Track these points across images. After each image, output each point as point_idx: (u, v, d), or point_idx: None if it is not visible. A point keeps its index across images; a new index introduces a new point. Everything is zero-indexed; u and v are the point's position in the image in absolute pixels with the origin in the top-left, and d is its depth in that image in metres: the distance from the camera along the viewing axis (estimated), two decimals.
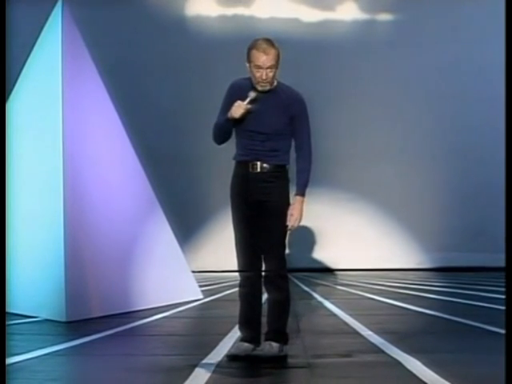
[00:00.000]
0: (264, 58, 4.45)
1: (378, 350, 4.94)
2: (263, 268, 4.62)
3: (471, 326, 6.29)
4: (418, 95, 20.18)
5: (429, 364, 4.22)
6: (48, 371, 4.36)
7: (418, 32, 20.33)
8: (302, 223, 4.64)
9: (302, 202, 4.61)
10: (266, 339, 4.57)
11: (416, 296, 10.12)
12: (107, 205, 7.90)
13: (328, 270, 19.56)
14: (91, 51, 8.17)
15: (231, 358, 4.54)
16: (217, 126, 4.65)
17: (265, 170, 4.56)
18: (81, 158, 7.66)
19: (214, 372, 4.16)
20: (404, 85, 20.22)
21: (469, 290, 11.14)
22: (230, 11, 20.95)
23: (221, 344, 5.20)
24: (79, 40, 8.04)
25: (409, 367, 4.20)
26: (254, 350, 4.56)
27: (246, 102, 4.49)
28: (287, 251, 4.66)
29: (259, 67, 4.47)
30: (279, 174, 4.59)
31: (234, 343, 4.91)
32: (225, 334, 5.64)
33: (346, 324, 6.63)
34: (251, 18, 20.71)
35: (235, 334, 5.30)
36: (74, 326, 6.80)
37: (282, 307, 4.62)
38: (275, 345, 4.54)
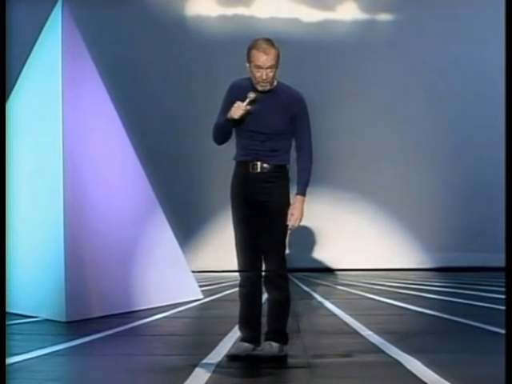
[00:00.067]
0: (264, 58, 4.45)
1: (377, 350, 4.94)
2: (263, 268, 4.63)
3: (471, 325, 6.29)
4: (417, 95, 20.18)
5: (429, 364, 4.22)
6: (48, 371, 4.36)
7: (418, 32, 20.33)
8: (303, 223, 4.64)
9: (303, 201, 4.61)
10: (266, 339, 4.57)
11: (416, 296, 10.12)
12: (107, 205, 7.90)
13: (328, 270, 19.56)
14: (91, 51, 8.17)
15: (231, 357, 4.54)
16: (217, 127, 4.65)
17: (265, 170, 4.56)
18: (81, 157, 7.67)
19: (213, 372, 4.16)
20: (404, 85, 20.21)
21: (469, 290, 11.14)
22: (230, 11, 20.95)
23: (221, 344, 5.20)
24: (79, 40, 8.04)
25: (409, 367, 4.20)
26: (254, 349, 4.56)
27: (245, 103, 4.49)
28: (287, 251, 4.66)
29: (259, 67, 4.47)
30: (279, 174, 4.59)
31: (234, 343, 4.91)
32: (225, 334, 5.64)
33: (346, 324, 6.63)
34: (251, 17, 20.71)
35: (235, 333, 5.30)
36: (74, 326, 6.80)
37: (282, 307, 4.62)
38: (275, 345, 4.54)
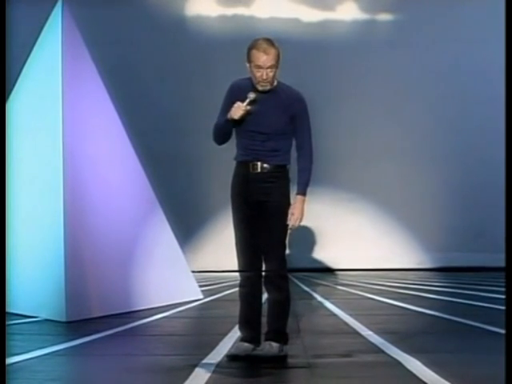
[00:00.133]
0: (264, 58, 4.45)
1: (378, 350, 4.94)
2: (263, 268, 4.63)
3: (471, 325, 6.29)
4: (417, 95, 20.17)
5: (429, 364, 4.22)
6: (48, 371, 4.36)
7: (417, 32, 20.32)
8: (303, 223, 4.64)
9: (303, 201, 4.61)
10: (266, 339, 4.57)
11: (416, 296, 10.12)
12: (107, 205, 7.91)
13: (328, 270, 19.56)
14: (91, 51, 8.16)
15: (231, 358, 4.54)
16: (217, 127, 4.65)
17: (265, 171, 4.56)
18: (81, 157, 7.67)
19: (213, 372, 4.16)
20: (404, 85, 20.21)
21: (469, 290, 11.14)
22: (230, 11, 20.95)
23: (221, 344, 5.20)
24: (79, 40, 8.04)
25: (409, 367, 4.20)
26: (254, 349, 4.56)
27: (245, 104, 4.49)
28: (287, 251, 4.66)
29: (259, 67, 4.47)
30: (279, 174, 4.59)
31: (234, 343, 4.91)
32: (225, 334, 5.64)
33: (346, 324, 6.63)
34: (251, 17, 20.70)
35: (235, 333, 5.30)
36: (74, 326, 6.80)
37: (282, 307, 4.62)
38: (275, 345, 4.53)
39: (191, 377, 4.01)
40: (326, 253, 19.83)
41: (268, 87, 4.54)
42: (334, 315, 7.48)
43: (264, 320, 4.64)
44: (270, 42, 4.50)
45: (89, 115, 7.91)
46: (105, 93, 8.25)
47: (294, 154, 4.66)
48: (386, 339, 5.35)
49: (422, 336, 5.86)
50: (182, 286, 9.00)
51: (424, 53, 20.19)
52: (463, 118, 20.09)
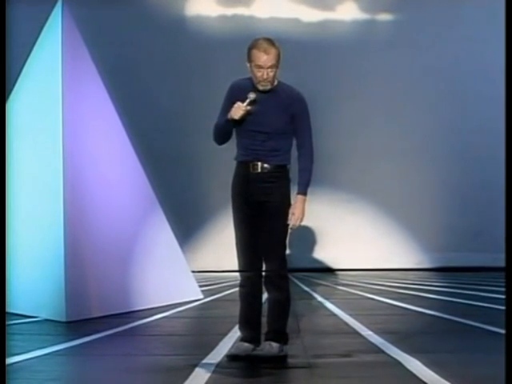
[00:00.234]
0: (265, 58, 4.45)
1: (378, 350, 4.94)
2: (264, 268, 4.63)
3: (471, 325, 6.29)
4: (417, 95, 20.17)
5: (429, 364, 4.22)
6: (48, 371, 4.36)
7: (417, 32, 20.32)
8: (303, 223, 4.64)
9: (304, 201, 4.61)
10: (266, 339, 4.57)
11: (416, 296, 10.12)
12: (107, 205, 7.91)
13: (328, 270, 19.56)
14: (91, 51, 8.17)
15: (231, 358, 4.54)
16: (217, 127, 4.66)
17: (265, 171, 4.56)
18: (81, 157, 7.67)
19: (213, 372, 4.17)
20: (404, 85, 20.21)
21: (468, 290, 11.14)
22: (230, 11, 20.95)
23: (221, 344, 5.20)
24: (79, 40, 8.04)
25: (409, 367, 4.20)
26: (254, 350, 4.56)
27: (245, 104, 4.49)
28: (287, 251, 4.66)
29: (260, 67, 4.47)
30: (280, 174, 4.59)
31: (234, 343, 4.91)
32: (225, 334, 5.64)
33: (346, 324, 6.63)
34: (251, 17, 20.70)
35: (235, 333, 5.30)
36: (74, 326, 6.80)
37: (282, 307, 4.62)
38: (275, 345, 4.53)
39: (191, 377, 4.01)
40: (325, 253, 19.83)
41: (268, 87, 4.54)
42: (334, 315, 7.48)
43: (264, 320, 4.64)
44: (270, 41, 4.50)
45: (89, 115, 7.91)
46: (105, 93, 8.26)
47: (294, 153, 4.66)
48: (386, 339, 5.36)
49: (421, 336, 5.86)
50: (181, 285, 9.00)
51: (424, 53, 20.19)
52: (463, 117, 20.08)
